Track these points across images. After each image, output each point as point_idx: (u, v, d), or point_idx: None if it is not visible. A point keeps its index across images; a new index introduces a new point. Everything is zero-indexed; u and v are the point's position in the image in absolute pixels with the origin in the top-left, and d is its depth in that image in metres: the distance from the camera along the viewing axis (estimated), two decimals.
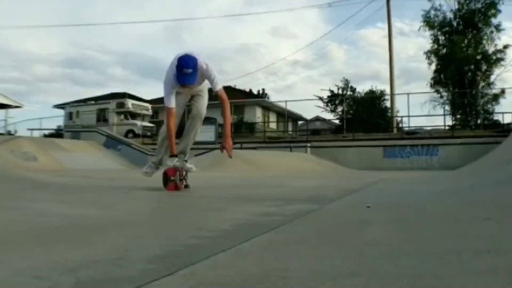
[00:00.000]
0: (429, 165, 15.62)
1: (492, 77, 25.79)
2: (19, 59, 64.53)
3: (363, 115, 28.25)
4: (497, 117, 23.63)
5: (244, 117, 27.24)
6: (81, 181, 4.84)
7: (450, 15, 26.00)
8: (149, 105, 25.47)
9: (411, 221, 1.93)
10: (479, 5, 25.13)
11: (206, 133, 19.18)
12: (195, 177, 3.31)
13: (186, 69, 3.42)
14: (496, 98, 25.46)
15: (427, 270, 1.00)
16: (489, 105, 25.64)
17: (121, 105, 23.84)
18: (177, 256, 1.16)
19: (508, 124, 19.08)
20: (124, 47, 70.83)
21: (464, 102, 25.08)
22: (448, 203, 2.75)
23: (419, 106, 33.03)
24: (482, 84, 25.69)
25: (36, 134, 23.59)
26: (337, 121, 30.69)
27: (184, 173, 3.68)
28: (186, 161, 3.75)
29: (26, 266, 1.00)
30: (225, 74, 68.18)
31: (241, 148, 16.17)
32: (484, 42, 25.46)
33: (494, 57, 25.29)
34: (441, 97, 26.60)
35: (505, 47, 25.14)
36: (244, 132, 24.22)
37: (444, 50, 26.21)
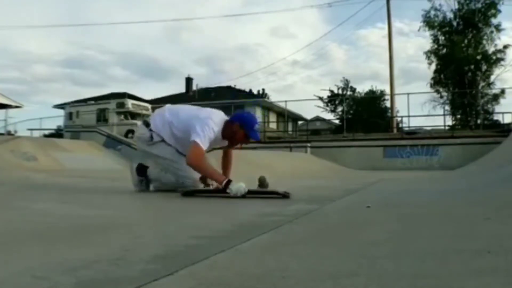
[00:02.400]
0: (429, 165, 15.63)
1: (492, 77, 25.82)
2: (19, 59, 64.64)
3: (363, 115, 28.26)
4: (497, 117, 23.69)
5: None
6: (81, 181, 4.84)
7: (450, 15, 26.03)
8: (149, 105, 25.45)
9: (411, 221, 1.93)
10: (479, 5, 25.14)
11: None
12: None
13: (256, 125, 3.38)
14: (496, 98, 25.48)
15: (427, 270, 1.00)
16: (489, 105, 25.66)
17: (121, 105, 23.83)
18: (177, 256, 1.16)
19: (508, 124, 19.10)
20: (124, 47, 70.97)
21: (464, 102, 25.08)
22: (448, 203, 2.75)
23: (419, 106, 33.06)
24: (482, 84, 25.70)
25: (36, 134, 23.65)
26: (337, 121, 30.73)
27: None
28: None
29: (25, 266, 1.00)
30: (225, 74, 68.40)
31: (241, 148, 16.14)
32: (484, 42, 25.49)
33: (494, 57, 25.31)
34: (441, 97, 26.62)
35: (505, 47, 25.17)
36: None
37: (444, 50, 26.21)
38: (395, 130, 22.64)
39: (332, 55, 54.67)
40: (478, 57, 25.02)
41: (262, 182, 3.11)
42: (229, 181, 2.88)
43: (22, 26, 66.88)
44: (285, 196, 2.88)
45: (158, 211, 2.40)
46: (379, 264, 1.07)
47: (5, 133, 22.87)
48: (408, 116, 21.65)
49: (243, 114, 3.49)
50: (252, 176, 3.20)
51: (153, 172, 3.43)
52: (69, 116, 25.25)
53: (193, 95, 29.45)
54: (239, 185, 2.85)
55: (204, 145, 3.05)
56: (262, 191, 3.01)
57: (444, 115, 25.54)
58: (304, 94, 71.62)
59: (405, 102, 45.32)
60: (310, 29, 64.50)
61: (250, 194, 2.86)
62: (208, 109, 3.43)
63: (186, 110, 3.51)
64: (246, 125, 3.25)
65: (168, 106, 3.59)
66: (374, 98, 30.28)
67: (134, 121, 22.89)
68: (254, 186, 3.04)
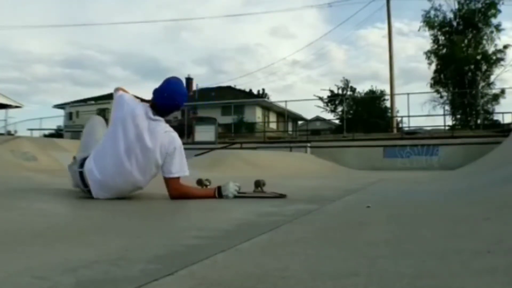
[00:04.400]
0: (429, 165, 15.61)
1: (492, 77, 25.84)
2: (19, 59, 64.61)
3: (363, 115, 28.27)
4: (497, 117, 23.70)
5: (244, 117, 27.22)
6: None
7: (450, 15, 26.06)
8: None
9: (411, 221, 1.93)
10: (479, 5, 25.15)
11: (206, 133, 19.17)
12: (196, 177, 3.31)
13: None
14: (496, 98, 25.50)
15: (427, 270, 1.00)
16: (489, 105, 25.67)
17: None
18: (177, 256, 1.16)
19: (508, 124, 19.11)
20: (124, 47, 70.87)
21: (464, 102, 25.10)
22: (448, 203, 2.75)
23: (419, 106, 33.10)
24: (482, 84, 25.72)
25: (36, 134, 23.67)
26: (337, 121, 30.75)
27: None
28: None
29: (25, 266, 1.00)
30: (225, 74, 68.43)
31: (241, 148, 16.16)
32: (484, 42, 25.51)
33: (494, 57, 25.32)
34: (441, 97, 26.63)
35: (505, 47, 25.20)
36: (244, 132, 24.21)
37: (444, 50, 26.23)
38: (395, 130, 22.65)
39: (332, 55, 54.62)
40: (478, 57, 25.03)
41: (257, 184, 3.10)
42: (219, 188, 2.78)
43: (22, 26, 66.92)
44: (280, 196, 2.87)
45: (157, 211, 2.40)
46: (379, 264, 1.07)
47: (5, 133, 22.86)
48: (408, 116, 21.65)
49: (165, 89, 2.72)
50: (252, 176, 3.20)
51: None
52: (69, 116, 25.22)
53: (193, 95, 29.46)
54: (229, 187, 2.78)
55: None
56: (254, 194, 2.97)
57: (444, 115, 25.60)
58: (304, 94, 71.72)
59: (405, 102, 45.35)
60: (310, 29, 64.45)
61: (241, 193, 2.82)
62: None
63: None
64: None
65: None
66: (374, 98, 30.29)
67: None
68: (251, 187, 3.04)
